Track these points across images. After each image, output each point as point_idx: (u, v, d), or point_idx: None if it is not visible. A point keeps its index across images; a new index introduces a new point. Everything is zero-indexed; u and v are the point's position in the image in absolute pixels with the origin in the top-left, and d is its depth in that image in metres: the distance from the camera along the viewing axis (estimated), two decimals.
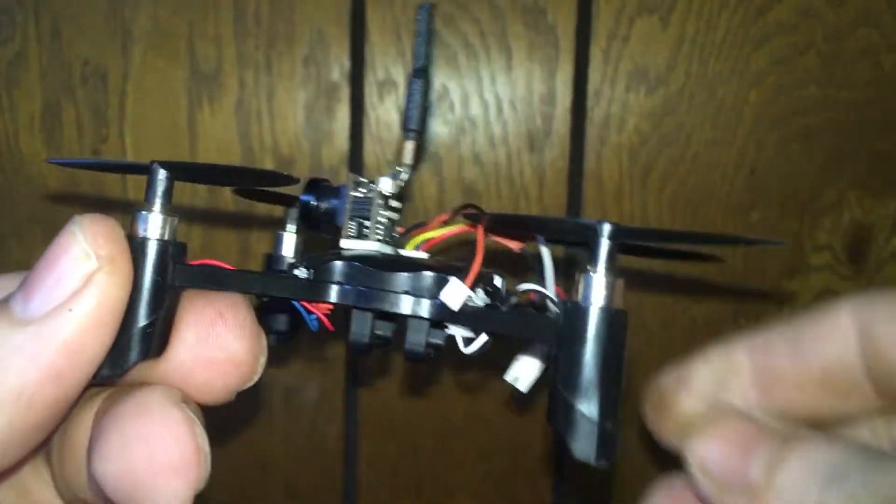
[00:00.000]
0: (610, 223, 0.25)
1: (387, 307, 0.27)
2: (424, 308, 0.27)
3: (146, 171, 0.26)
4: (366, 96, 0.52)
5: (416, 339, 0.28)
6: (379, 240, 0.31)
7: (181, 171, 0.26)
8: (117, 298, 0.23)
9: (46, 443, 0.25)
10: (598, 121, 0.52)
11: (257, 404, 0.55)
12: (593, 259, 0.25)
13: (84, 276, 0.22)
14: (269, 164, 0.52)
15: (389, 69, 0.52)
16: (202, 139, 0.52)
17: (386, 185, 0.32)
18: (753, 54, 0.52)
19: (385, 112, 0.52)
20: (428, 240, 0.31)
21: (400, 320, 0.29)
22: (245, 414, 0.55)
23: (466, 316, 0.27)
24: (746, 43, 0.52)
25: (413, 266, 0.27)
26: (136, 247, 0.25)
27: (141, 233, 0.25)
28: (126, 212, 0.52)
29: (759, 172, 0.53)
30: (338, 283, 0.27)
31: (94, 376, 0.23)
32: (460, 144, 0.52)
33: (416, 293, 0.27)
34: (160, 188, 0.26)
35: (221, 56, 0.51)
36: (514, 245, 0.30)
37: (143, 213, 0.25)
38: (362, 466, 0.55)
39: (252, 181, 0.34)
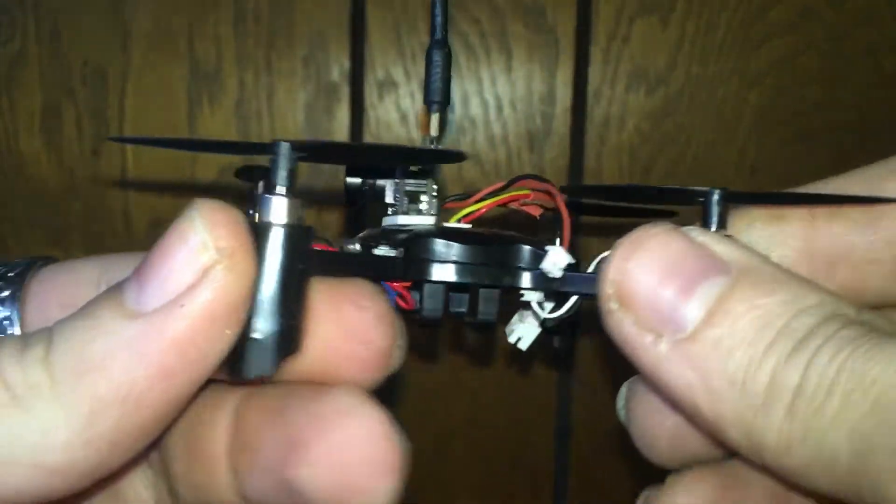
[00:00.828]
0: (720, 189, 0.25)
1: (503, 282, 0.27)
2: (528, 279, 0.26)
3: (270, 150, 0.23)
4: (366, 96, 0.52)
5: (489, 309, 0.27)
6: (433, 214, 0.30)
7: (310, 151, 0.24)
8: (235, 295, 0.20)
9: (155, 445, 0.24)
10: (598, 121, 0.52)
11: None
12: (706, 220, 0.25)
13: (200, 269, 0.20)
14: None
15: (389, 69, 0.52)
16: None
17: None
18: (753, 54, 0.52)
19: (385, 112, 0.52)
20: (472, 212, 0.31)
21: (472, 292, 0.28)
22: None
23: (573, 281, 0.26)
24: (746, 43, 0.52)
25: (498, 240, 0.27)
26: (265, 234, 0.22)
27: (268, 218, 0.23)
28: (126, 212, 0.52)
29: (760, 172, 0.53)
30: (440, 260, 0.27)
31: (235, 377, 0.22)
32: (460, 144, 0.52)
33: (516, 265, 0.27)
34: (285, 169, 0.23)
35: (221, 56, 0.51)
36: (534, 211, 0.30)
37: (268, 196, 0.23)
38: None
39: (408, 159, 0.30)
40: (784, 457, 0.19)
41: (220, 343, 0.21)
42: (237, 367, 0.22)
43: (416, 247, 0.27)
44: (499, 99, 0.52)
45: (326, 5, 0.51)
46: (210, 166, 0.52)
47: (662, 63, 0.52)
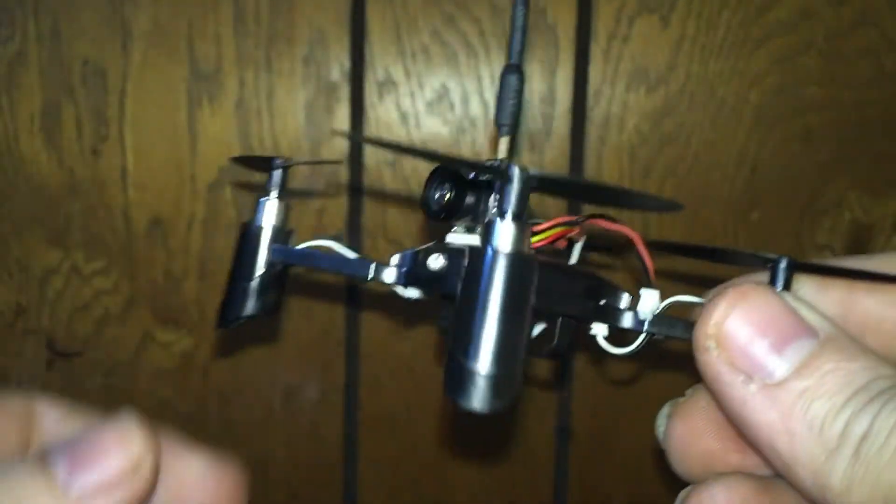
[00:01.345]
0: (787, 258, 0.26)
1: (601, 318, 0.28)
2: (628, 320, 0.28)
3: (502, 174, 0.24)
4: (366, 96, 0.52)
5: (564, 340, 0.29)
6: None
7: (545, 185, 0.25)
8: (145, 495, 0.25)
9: None
10: (598, 121, 0.52)
11: (258, 404, 0.55)
12: (773, 283, 0.27)
13: (129, 472, 0.24)
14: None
15: (389, 69, 0.52)
16: (202, 138, 0.52)
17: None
18: (753, 54, 0.52)
19: (385, 112, 0.52)
20: (537, 241, 0.31)
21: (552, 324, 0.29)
22: (245, 414, 0.55)
23: (660, 322, 0.27)
24: (746, 43, 0.52)
25: (576, 273, 0.28)
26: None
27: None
28: (126, 212, 0.52)
29: (760, 172, 0.53)
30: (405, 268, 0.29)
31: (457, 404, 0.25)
32: (460, 144, 0.52)
33: (611, 304, 0.28)
34: (518, 195, 0.24)
35: (221, 56, 0.51)
36: (561, 243, 0.32)
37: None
38: (362, 466, 0.55)
39: (624, 203, 0.31)
40: (845, 495, 0.22)
41: None
42: (459, 397, 0.24)
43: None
44: None
45: (326, 5, 0.51)
46: (210, 166, 0.52)
47: (662, 63, 0.52)
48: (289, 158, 0.34)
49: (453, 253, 0.27)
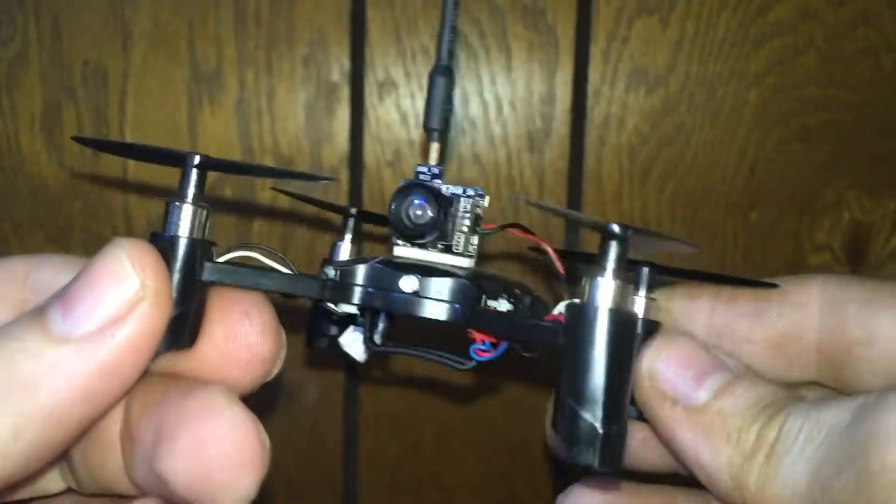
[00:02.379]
0: (618, 224, 0.26)
1: (407, 310, 0.27)
2: (442, 311, 0.27)
3: (181, 161, 0.26)
4: (366, 96, 0.52)
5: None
6: (443, 250, 0.30)
7: (216, 166, 0.26)
8: (158, 329, 0.23)
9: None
10: (598, 121, 0.52)
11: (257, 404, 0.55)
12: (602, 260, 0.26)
13: (128, 302, 0.23)
14: (269, 164, 0.52)
15: (389, 69, 0.52)
16: (202, 139, 0.52)
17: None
18: (753, 54, 0.52)
19: (385, 112, 0.52)
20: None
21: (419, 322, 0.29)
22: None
23: (483, 319, 0.27)
24: (746, 43, 0.52)
25: (437, 272, 0.28)
26: (166, 244, 0.26)
27: (172, 231, 0.27)
28: (126, 212, 0.52)
29: (759, 172, 0.53)
30: (361, 285, 0.28)
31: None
32: (460, 144, 0.52)
33: (431, 297, 0.27)
34: (192, 181, 0.26)
35: (221, 56, 0.51)
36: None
37: (176, 204, 0.27)
38: (362, 466, 0.55)
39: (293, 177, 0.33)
40: (761, 493, 0.26)
41: (140, 369, 0.23)
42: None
43: (348, 271, 0.28)
44: (499, 99, 0.52)
45: (326, 6, 0.51)
46: None
47: (662, 63, 0.52)
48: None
49: (423, 274, 0.27)
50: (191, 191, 0.27)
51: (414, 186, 0.29)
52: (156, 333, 0.23)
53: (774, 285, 0.33)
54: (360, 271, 0.28)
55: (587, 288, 0.25)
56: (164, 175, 0.52)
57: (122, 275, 0.23)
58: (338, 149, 0.52)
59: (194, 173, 0.27)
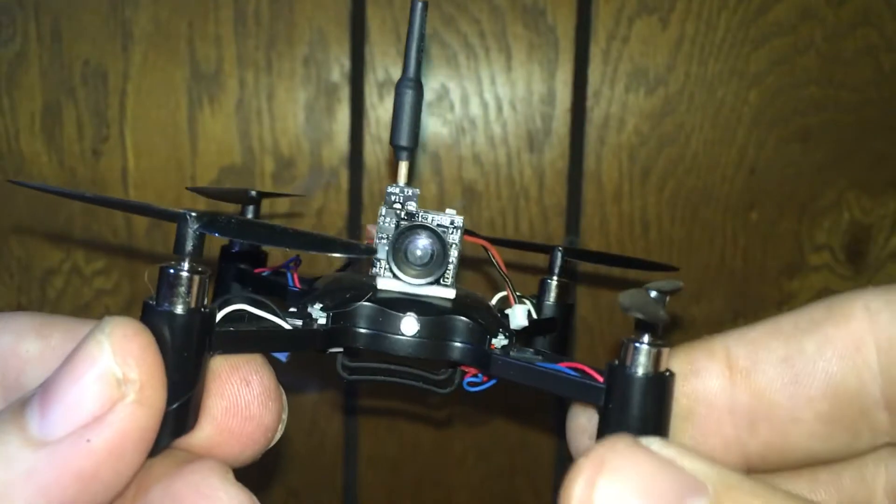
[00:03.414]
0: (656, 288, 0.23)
1: (416, 353, 0.27)
2: (455, 353, 0.26)
3: (176, 219, 0.22)
4: (366, 96, 0.52)
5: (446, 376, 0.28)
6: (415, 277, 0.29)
7: (220, 228, 0.22)
8: (144, 429, 0.20)
9: None
10: (598, 121, 0.52)
11: None
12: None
13: (108, 400, 0.19)
14: (269, 164, 0.52)
15: (389, 69, 0.52)
16: (202, 139, 0.52)
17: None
18: (753, 54, 0.52)
19: (385, 112, 0.52)
20: None
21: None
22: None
23: (510, 367, 0.26)
24: (746, 43, 0.52)
25: (433, 309, 0.27)
26: (163, 320, 0.22)
27: (167, 306, 0.22)
28: (126, 215, 0.52)
29: (759, 172, 0.53)
30: (363, 330, 0.26)
31: None
32: (460, 144, 0.52)
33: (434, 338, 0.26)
34: (190, 242, 0.22)
35: (221, 56, 0.51)
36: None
37: (171, 271, 0.22)
38: (362, 466, 0.55)
39: (329, 249, 0.28)
40: None
41: (125, 474, 0.20)
42: None
43: (346, 315, 0.26)
44: (499, 99, 0.52)
45: (326, 6, 0.51)
46: (210, 166, 0.52)
47: (662, 63, 0.52)
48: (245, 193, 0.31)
49: (420, 313, 0.26)
50: (188, 251, 0.22)
51: (419, 228, 0.28)
52: (143, 436, 0.20)
53: (674, 268, 0.27)
54: (357, 314, 0.26)
55: (629, 352, 0.23)
56: (164, 176, 0.52)
57: (102, 366, 0.19)
58: (338, 149, 0.52)
59: (192, 234, 0.22)
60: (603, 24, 0.52)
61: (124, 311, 0.53)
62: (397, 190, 0.29)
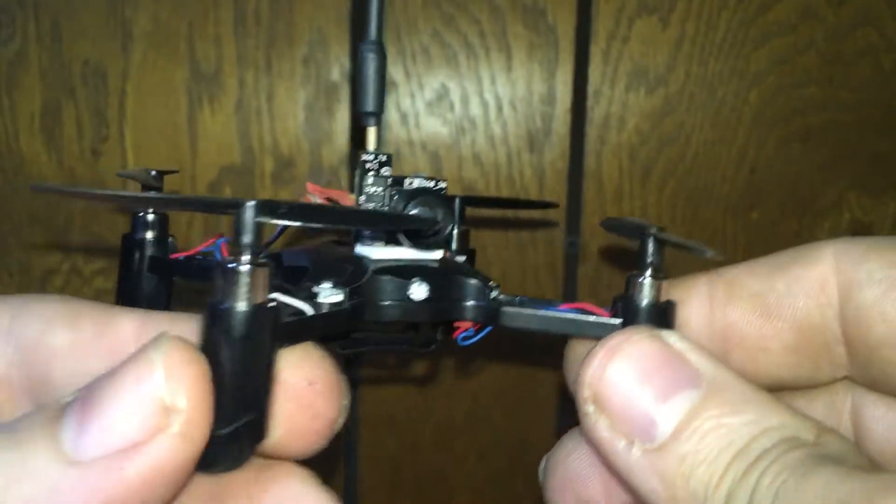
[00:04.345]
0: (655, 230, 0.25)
1: (434, 317, 0.27)
2: (468, 312, 0.27)
3: (232, 208, 0.20)
4: None
5: (431, 333, 0.29)
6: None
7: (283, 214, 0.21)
8: (182, 463, 0.18)
9: None
10: (598, 121, 0.52)
11: None
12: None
13: (151, 428, 0.18)
14: (268, 164, 0.52)
15: (389, 69, 0.52)
16: (202, 139, 0.52)
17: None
18: (753, 54, 0.52)
19: (385, 112, 0.52)
20: None
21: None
22: None
23: (521, 318, 0.26)
24: (746, 43, 0.52)
25: (432, 272, 0.27)
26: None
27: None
28: (126, 215, 0.52)
29: (759, 172, 0.53)
30: (381, 303, 0.26)
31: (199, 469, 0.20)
32: (460, 144, 0.52)
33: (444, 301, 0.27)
34: (249, 233, 0.20)
35: (221, 56, 0.51)
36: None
37: (232, 266, 0.20)
38: (362, 465, 0.55)
39: (399, 223, 0.29)
40: None
41: (159, 497, 0.19)
42: (201, 462, 0.20)
43: (363, 288, 0.26)
44: (499, 99, 0.52)
45: (326, 6, 0.51)
46: (210, 166, 0.52)
47: (662, 63, 0.52)
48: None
49: (424, 277, 0.26)
50: (248, 243, 0.20)
51: (426, 193, 0.29)
52: (179, 470, 0.18)
53: (554, 205, 0.28)
54: (371, 287, 0.26)
55: (634, 285, 0.25)
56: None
57: (152, 390, 0.18)
58: (338, 149, 0.52)
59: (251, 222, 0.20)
60: (603, 23, 0.52)
61: None
62: (371, 157, 0.29)
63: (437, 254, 0.29)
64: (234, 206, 0.20)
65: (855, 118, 0.53)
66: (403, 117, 0.52)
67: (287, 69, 0.52)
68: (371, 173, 0.29)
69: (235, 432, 0.20)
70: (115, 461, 0.18)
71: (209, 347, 0.20)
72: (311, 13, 0.51)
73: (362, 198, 0.30)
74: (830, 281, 0.25)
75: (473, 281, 0.27)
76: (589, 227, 0.53)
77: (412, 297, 0.26)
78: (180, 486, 0.19)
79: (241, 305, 0.19)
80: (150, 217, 0.31)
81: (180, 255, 0.31)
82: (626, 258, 0.53)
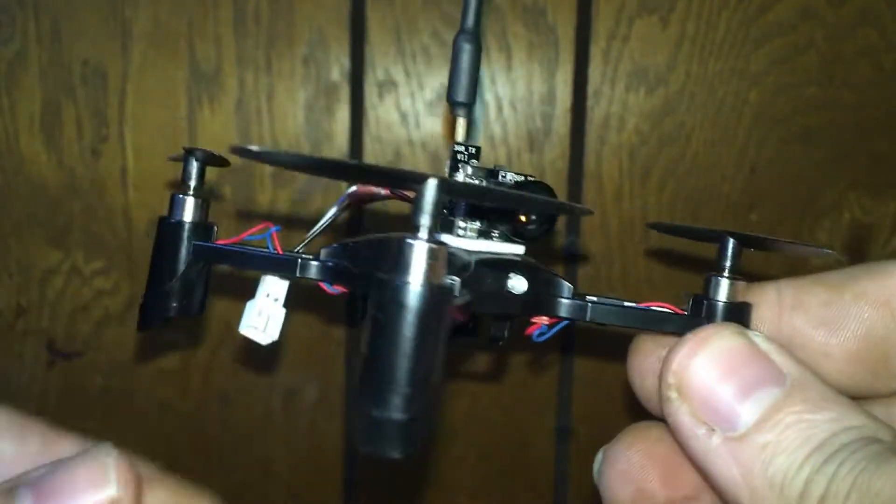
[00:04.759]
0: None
1: (530, 312, 0.27)
2: (564, 309, 0.27)
3: (415, 182, 0.21)
4: (366, 96, 0.52)
5: (500, 329, 0.29)
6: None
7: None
8: None
9: None
10: (598, 121, 0.52)
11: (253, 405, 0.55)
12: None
13: None
14: (269, 164, 0.52)
15: (389, 69, 0.52)
16: (202, 139, 0.52)
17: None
18: (753, 54, 0.52)
19: (385, 112, 0.52)
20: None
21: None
22: (245, 414, 0.55)
23: (608, 313, 0.27)
24: (746, 43, 0.52)
25: (523, 266, 0.27)
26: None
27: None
28: (126, 212, 0.52)
29: (759, 172, 0.53)
30: (484, 292, 0.25)
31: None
32: None
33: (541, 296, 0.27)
34: (429, 212, 0.21)
35: (221, 56, 0.51)
36: None
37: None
38: (362, 466, 0.55)
39: (561, 210, 0.30)
40: None
41: None
42: (372, 447, 0.20)
43: (473, 278, 0.25)
44: (499, 99, 0.52)
45: (326, 5, 0.51)
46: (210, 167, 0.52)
47: (662, 63, 0.52)
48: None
49: (531, 270, 0.26)
50: (427, 224, 0.21)
51: (530, 185, 0.28)
52: None
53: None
54: (477, 279, 0.25)
55: (711, 285, 0.26)
56: (164, 175, 0.52)
57: (104, 484, 0.21)
58: (338, 149, 0.52)
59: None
60: (603, 23, 0.51)
61: (124, 311, 0.53)
62: (462, 148, 0.29)
63: (520, 248, 0.28)
64: (418, 181, 0.20)
65: (855, 118, 0.53)
66: (403, 117, 0.52)
67: (287, 69, 0.52)
68: (464, 163, 0.29)
69: (416, 417, 0.20)
70: None
71: (383, 326, 0.20)
72: (311, 13, 0.51)
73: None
74: None
75: (558, 277, 0.27)
76: (589, 227, 0.53)
77: (513, 290, 0.26)
78: None
79: (423, 283, 0.20)
80: (193, 200, 0.30)
81: (225, 242, 0.31)
82: (626, 258, 0.53)
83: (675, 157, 0.52)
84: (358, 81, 0.52)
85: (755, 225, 0.53)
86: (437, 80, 0.52)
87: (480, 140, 0.52)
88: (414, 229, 0.20)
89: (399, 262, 0.20)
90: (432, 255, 0.20)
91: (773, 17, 0.52)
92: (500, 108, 0.52)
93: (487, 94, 0.52)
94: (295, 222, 0.53)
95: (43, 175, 0.52)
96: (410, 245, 0.20)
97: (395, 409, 0.20)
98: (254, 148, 0.21)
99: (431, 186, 0.20)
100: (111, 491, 0.21)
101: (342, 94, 0.52)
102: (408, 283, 0.20)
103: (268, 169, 0.52)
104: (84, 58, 0.51)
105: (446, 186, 0.20)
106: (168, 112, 0.51)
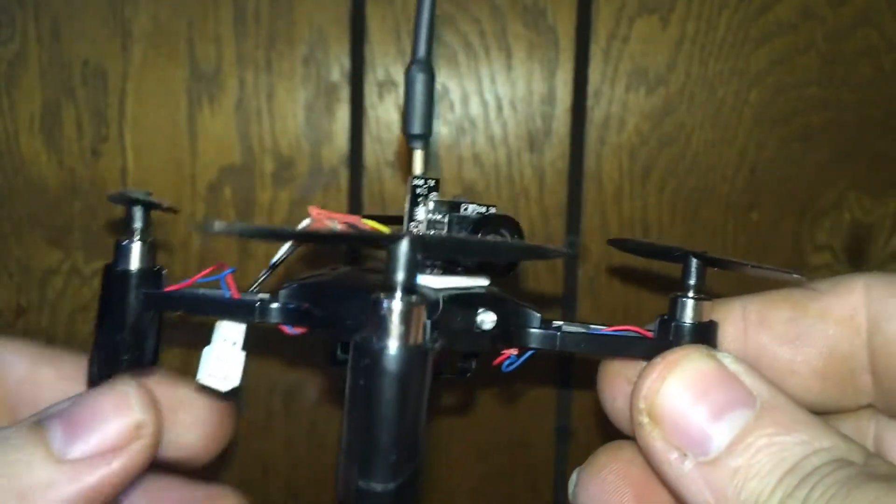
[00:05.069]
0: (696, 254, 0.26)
1: (516, 344, 0.27)
2: (535, 340, 0.27)
3: (387, 243, 0.20)
4: (366, 96, 0.52)
5: (468, 362, 0.29)
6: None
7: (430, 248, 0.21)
8: (147, 459, 0.26)
9: None
10: (598, 121, 0.52)
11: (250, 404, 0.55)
12: None
13: (129, 436, 0.25)
14: (268, 164, 0.52)
15: (389, 69, 0.52)
16: (202, 139, 0.52)
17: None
18: (753, 54, 0.52)
19: (385, 112, 0.52)
20: None
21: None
22: (245, 414, 0.55)
23: (578, 340, 0.27)
24: (746, 43, 0.52)
25: (489, 299, 0.27)
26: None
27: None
28: (125, 215, 0.52)
29: (759, 172, 0.53)
30: (450, 331, 0.25)
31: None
32: (460, 144, 0.52)
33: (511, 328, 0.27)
34: (404, 270, 0.20)
35: (221, 56, 0.51)
36: None
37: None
38: None
39: (539, 255, 0.30)
40: None
41: (124, 488, 0.26)
42: None
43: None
44: (499, 99, 0.52)
45: (326, 5, 0.51)
46: (210, 166, 0.52)
47: (662, 63, 0.52)
48: (148, 195, 0.30)
49: (500, 305, 0.26)
50: (401, 281, 0.20)
51: (492, 220, 0.28)
52: (146, 464, 0.25)
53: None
54: (448, 317, 0.24)
55: (677, 306, 0.26)
56: (164, 176, 0.52)
57: (127, 410, 0.25)
58: (338, 149, 0.52)
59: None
60: (603, 23, 0.51)
61: None
62: (421, 182, 0.28)
63: (484, 281, 0.28)
64: (389, 241, 0.20)
65: (855, 118, 0.53)
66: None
67: (287, 69, 0.52)
68: (421, 198, 0.28)
69: (403, 485, 0.19)
70: (99, 460, 0.24)
71: (363, 391, 0.19)
72: (311, 13, 0.51)
73: (412, 224, 0.28)
74: (860, 312, 0.26)
75: (528, 309, 0.27)
76: (589, 228, 0.53)
77: (482, 326, 0.25)
78: (135, 479, 0.26)
79: (401, 346, 0.19)
80: (139, 245, 0.29)
81: (176, 288, 0.29)
82: (626, 258, 0.53)
83: (675, 157, 0.52)
84: (358, 81, 0.52)
85: (755, 225, 0.53)
86: (437, 80, 0.52)
87: (481, 140, 0.52)
88: (389, 289, 0.19)
89: (377, 324, 0.19)
90: (411, 316, 0.19)
91: (773, 17, 0.52)
92: (500, 108, 0.52)
93: (487, 94, 0.52)
94: (295, 223, 0.53)
95: (43, 175, 0.52)
96: (388, 308, 0.19)
97: (381, 479, 0.19)
98: (218, 226, 0.21)
99: (404, 246, 0.19)
100: (136, 415, 0.25)
101: (342, 94, 0.52)
102: (387, 346, 0.19)
103: (268, 168, 0.52)
104: (84, 58, 0.51)
105: (420, 245, 0.20)
106: (168, 112, 0.51)
